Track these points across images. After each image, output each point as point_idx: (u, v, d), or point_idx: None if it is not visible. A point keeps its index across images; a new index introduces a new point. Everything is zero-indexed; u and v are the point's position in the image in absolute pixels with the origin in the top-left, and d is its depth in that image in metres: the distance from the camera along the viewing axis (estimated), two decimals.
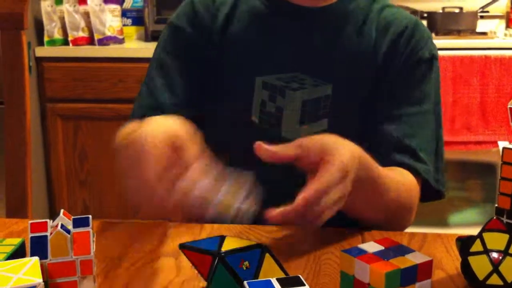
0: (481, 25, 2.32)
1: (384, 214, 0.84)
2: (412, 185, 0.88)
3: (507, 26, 2.38)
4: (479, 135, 2.12)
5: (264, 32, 0.95)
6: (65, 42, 2.29)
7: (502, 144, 0.67)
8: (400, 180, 0.86)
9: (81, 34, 2.30)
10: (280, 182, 0.89)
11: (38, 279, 0.52)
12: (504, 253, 0.62)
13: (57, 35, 2.29)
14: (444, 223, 2.25)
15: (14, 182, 1.23)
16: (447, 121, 2.08)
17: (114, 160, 0.85)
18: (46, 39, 2.26)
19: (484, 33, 2.25)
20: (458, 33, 2.22)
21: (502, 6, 2.43)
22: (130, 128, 0.77)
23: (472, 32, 2.24)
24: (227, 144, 0.91)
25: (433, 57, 0.94)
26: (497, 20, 2.45)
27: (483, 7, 2.37)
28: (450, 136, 2.09)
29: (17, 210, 1.20)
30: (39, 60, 2.22)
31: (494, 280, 0.62)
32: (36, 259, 0.57)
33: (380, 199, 0.81)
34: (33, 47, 2.20)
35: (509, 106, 0.67)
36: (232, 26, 0.95)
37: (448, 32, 2.22)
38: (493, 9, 2.42)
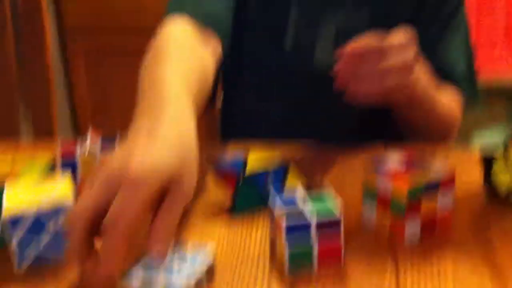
0: None
1: (434, 128, 0.88)
2: (455, 102, 0.90)
3: None
4: (503, 63, 2.08)
5: None
6: None
7: None
8: (447, 95, 0.89)
9: None
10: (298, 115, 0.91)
11: (69, 199, 0.54)
12: None
13: None
14: (469, 143, 2.24)
15: (41, 104, 1.25)
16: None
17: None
18: None
19: None
20: None
21: None
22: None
23: None
24: (255, 75, 0.90)
25: None
26: None
27: None
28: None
29: (44, 131, 1.23)
30: None
31: None
32: (67, 178, 0.59)
33: (433, 110, 0.83)
34: None
35: None
36: None
37: None
38: None
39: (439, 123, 0.88)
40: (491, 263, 0.53)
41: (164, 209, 0.47)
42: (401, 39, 0.69)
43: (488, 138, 2.20)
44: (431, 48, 0.89)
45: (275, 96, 0.92)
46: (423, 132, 0.89)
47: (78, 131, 2.31)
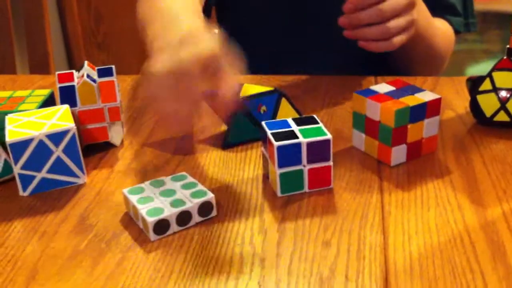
0: None
1: (431, 57, 0.89)
2: (449, 31, 0.92)
3: None
4: None
5: None
6: None
7: None
8: (443, 28, 0.90)
9: None
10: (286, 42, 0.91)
11: (71, 124, 0.57)
12: None
13: None
14: (463, 75, 2.25)
15: (35, 39, 1.25)
16: None
17: (134, 19, 0.86)
18: None
19: None
20: None
21: None
22: None
23: None
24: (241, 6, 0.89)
25: None
26: None
27: None
28: None
29: (40, 67, 1.24)
30: None
31: (501, 116, 0.65)
32: (67, 106, 0.61)
33: (430, 40, 0.84)
34: None
35: None
36: None
37: None
38: None
39: (435, 56, 0.90)
40: (472, 187, 0.56)
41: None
42: None
43: (481, 71, 2.21)
44: None
45: (263, 24, 0.93)
46: (420, 64, 0.90)
47: (72, 66, 2.31)
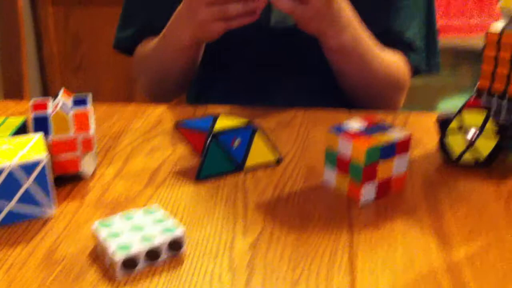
0: None
1: (374, 86, 0.89)
2: (402, 65, 0.92)
3: None
4: (473, 19, 2.11)
5: None
6: None
7: (495, 25, 0.69)
8: (391, 57, 0.91)
9: None
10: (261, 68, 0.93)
11: (43, 154, 0.56)
12: (480, 131, 0.66)
13: None
14: (435, 109, 2.30)
15: (10, 64, 1.24)
16: (442, 5, 2.06)
17: (132, 68, 0.95)
18: None
19: None
20: None
21: None
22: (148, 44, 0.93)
23: None
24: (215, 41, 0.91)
25: None
26: None
27: None
28: (444, 20, 2.08)
29: (14, 92, 1.23)
30: None
31: (469, 156, 0.67)
32: (40, 135, 0.61)
33: (369, 65, 0.85)
34: None
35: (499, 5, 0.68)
36: None
37: None
38: None
39: (380, 82, 0.89)
40: (439, 228, 0.57)
41: None
42: None
43: (453, 106, 2.26)
44: (379, 10, 0.90)
45: (237, 57, 0.94)
46: (366, 91, 0.90)
47: (47, 89, 2.29)
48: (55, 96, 0.67)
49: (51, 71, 2.27)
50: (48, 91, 2.30)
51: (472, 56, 2.20)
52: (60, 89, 2.26)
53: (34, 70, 2.25)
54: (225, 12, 0.76)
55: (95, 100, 0.75)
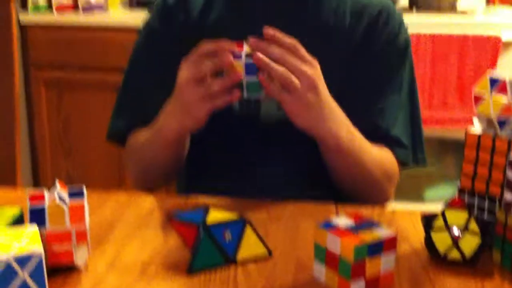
0: (462, 2, 2.36)
1: (367, 180, 0.91)
2: (389, 159, 0.95)
3: (487, 4, 2.43)
4: (455, 111, 2.18)
5: (240, 18, 0.97)
6: (50, 8, 2.29)
7: (475, 125, 0.73)
8: (378, 152, 0.94)
9: (65, 1, 2.31)
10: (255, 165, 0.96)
11: (39, 247, 0.57)
12: (464, 229, 0.68)
13: (42, 1, 2.29)
14: (420, 198, 2.33)
15: (3, 149, 1.26)
16: (426, 98, 2.14)
17: (124, 162, 0.97)
18: (30, 5, 2.26)
19: (464, 12, 2.30)
20: (439, 9, 2.26)
21: None
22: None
23: (452, 8, 2.29)
24: (205, 133, 0.92)
25: (407, 43, 0.98)
26: None
27: None
28: (428, 112, 2.15)
29: (6, 176, 1.24)
30: (23, 26, 2.22)
31: (454, 254, 0.69)
32: (35, 228, 0.62)
33: (359, 161, 0.88)
34: (17, 13, 2.20)
35: (473, 92, 0.72)
36: (210, 17, 0.97)
37: (428, 8, 2.26)
38: None
39: (372, 176, 0.92)
40: None
41: None
42: (313, 59, 0.80)
43: (439, 195, 2.29)
44: (365, 108, 0.94)
45: (226, 149, 0.97)
46: (357, 186, 0.93)
47: (36, 172, 2.30)
48: (51, 187, 0.69)
49: (42, 153, 2.29)
50: (38, 174, 2.30)
51: (456, 147, 2.26)
52: (49, 172, 2.26)
53: (25, 152, 2.26)
54: (209, 89, 0.79)
55: (85, 184, 0.76)
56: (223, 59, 0.78)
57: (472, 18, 2.21)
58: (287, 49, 0.78)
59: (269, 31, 0.78)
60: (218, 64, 0.79)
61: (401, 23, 0.98)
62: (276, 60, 0.78)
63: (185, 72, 0.81)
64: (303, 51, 0.79)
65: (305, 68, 0.78)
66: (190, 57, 0.81)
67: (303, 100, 0.79)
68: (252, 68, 0.78)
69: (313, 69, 0.79)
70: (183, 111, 0.83)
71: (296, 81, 0.78)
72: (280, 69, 0.77)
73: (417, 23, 2.11)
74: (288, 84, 0.78)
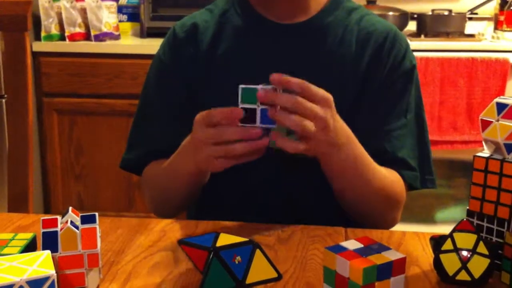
0: (470, 27, 2.38)
1: (373, 202, 0.92)
2: (397, 181, 0.95)
3: (495, 28, 2.45)
4: (465, 135, 2.18)
5: (248, 51, 0.98)
6: (62, 37, 2.33)
7: (484, 148, 0.74)
8: (387, 174, 0.94)
9: (78, 30, 2.35)
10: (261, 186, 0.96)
11: (51, 271, 0.58)
12: (472, 251, 0.69)
13: (54, 30, 2.33)
14: (431, 220, 2.32)
15: (16, 177, 1.27)
16: (435, 121, 2.14)
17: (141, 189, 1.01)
18: (43, 34, 2.30)
19: (472, 35, 2.32)
20: (447, 35, 2.28)
21: (490, 8, 2.49)
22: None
23: (460, 34, 2.30)
24: None
25: (413, 67, 0.99)
26: (485, 22, 2.52)
27: (472, 10, 2.43)
28: (437, 135, 2.15)
29: (19, 204, 1.25)
30: (36, 55, 2.26)
31: (463, 276, 0.69)
32: (48, 252, 0.63)
33: (367, 183, 0.89)
34: (30, 42, 2.24)
35: (480, 117, 0.73)
36: (219, 49, 0.98)
37: (437, 34, 2.28)
38: (482, 11, 2.48)
39: (378, 198, 0.92)
40: None
41: None
42: (324, 94, 0.78)
43: (450, 217, 2.28)
44: (372, 133, 0.94)
45: (233, 178, 0.97)
46: (364, 207, 0.93)
47: (47, 195, 2.32)
48: (63, 212, 0.70)
49: (53, 179, 2.31)
50: (49, 199, 2.32)
51: (466, 168, 2.25)
52: (59, 197, 2.28)
53: (36, 178, 2.29)
54: (230, 151, 0.78)
55: (93, 209, 0.77)
56: (251, 136, 0.77)
57: (480, 42, 2.23)
58: (297, 90, 0.77)
59: (275, 77, 0.76)
60: (247, 147, 0.78)
61: (407, 47, 0.99)
62: (287, 109, 0.77)
63: (200, 133, 0.80)
64: (312, 89, 0.78)
65: (316, 109, 0.77)
66: (205, 118, 0.79)
67: (321, 144, 0.80)
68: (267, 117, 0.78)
69: (324, 108, 0.78)
70: (200, 161, 0.82)
71: (309, 125, 0.77)
72: (292, 118, 0.76)
73: (425, 48, 2.13)
74: (303, 131, 0.77)
